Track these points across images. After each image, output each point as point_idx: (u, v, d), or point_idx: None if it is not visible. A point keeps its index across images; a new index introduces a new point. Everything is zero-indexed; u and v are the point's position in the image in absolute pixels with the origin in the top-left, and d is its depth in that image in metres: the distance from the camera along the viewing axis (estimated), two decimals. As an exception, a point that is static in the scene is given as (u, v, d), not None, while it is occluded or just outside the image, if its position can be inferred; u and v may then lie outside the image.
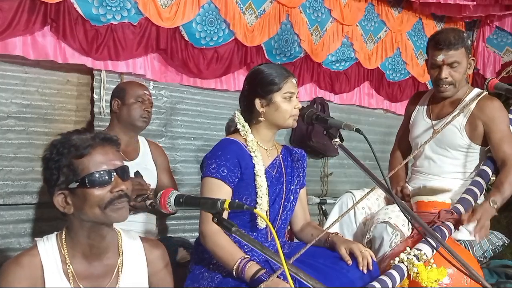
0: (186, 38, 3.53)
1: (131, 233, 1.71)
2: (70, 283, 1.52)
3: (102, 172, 1.48)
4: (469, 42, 2.63)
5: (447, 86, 2.60)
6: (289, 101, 2.13)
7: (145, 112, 2.81)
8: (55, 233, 1.59)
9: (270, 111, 2.13)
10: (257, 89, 2.15)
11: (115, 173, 1.51)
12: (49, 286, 1.49)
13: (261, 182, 2.09)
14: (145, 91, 2.86)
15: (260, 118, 2.15)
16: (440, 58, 2.55)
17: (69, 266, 1.52)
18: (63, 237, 1.56)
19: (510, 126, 2.68)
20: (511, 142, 2.57)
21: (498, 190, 2.46)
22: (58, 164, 1.49)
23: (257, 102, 2.14)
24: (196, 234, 2.27)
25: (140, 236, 1.71)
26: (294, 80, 2.16)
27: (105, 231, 1.56)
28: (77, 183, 1.48)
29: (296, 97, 2.16)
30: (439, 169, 2.68)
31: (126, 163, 1.62)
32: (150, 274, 1.66)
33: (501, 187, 2.46)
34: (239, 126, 2.18)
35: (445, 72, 2.57)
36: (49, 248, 1.54)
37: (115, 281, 1.58)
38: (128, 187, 1.53)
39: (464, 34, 2.63)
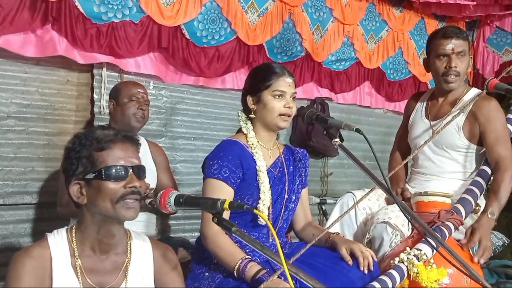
0: (188, 37, 3.52)
1: (142, 235, 1.74)
2: (77, 276, 1.54)
3: (119, 167, 1.53)
4: (470, 40, 2.64)
5: (454, 76, 2.58)
6: (279, 99, 2.11)
7: (139, 111, 2.77)
8: (66, 227, 1.62)
9: (260, 108, 2.14)
10: (249, 86, 2.19)
11: (131, 170, 1.55)
12: (57, 278, 1.52)
13: (264, 178, 2.09)
14: (139, 90, 2.82)
15: (252, 116, 2.17)
16: (449, 46, 2.55)
17: (77, 259, 1.55)
18: (73, 231, 1.59)
19: (509, 126, 2.68)
20: (506, 143, 2.55)
21: (496, 197, 2.44)
22: (78, 154, 1.54)
23: (249, 99, 2.16)
24: (197, 234, 2.28)
25: (150, 239, 1.74)
26: (288, 79, 2.14)
27: (115, 228, 1.59)
28: (94, 174, 1.52)
29: (292, 98, 2.15)
30: (439, 169, 2.68)
31: None
32: (156, 276, 1.68)
33: (498, 193, 2.44)
34: (241, 123, 2.19)
35: (455, 61, 2.55)
36: (59, 241, 1.57)
37: (122, 279, 1.60)
38: (142, 186, 1.57)
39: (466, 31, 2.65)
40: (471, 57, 2.67)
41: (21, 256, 1.52)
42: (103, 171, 1.51)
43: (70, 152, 1.56)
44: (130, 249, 1.65)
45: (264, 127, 2.18)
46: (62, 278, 1.53)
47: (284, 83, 2.12)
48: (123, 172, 1.53)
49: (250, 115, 2.18)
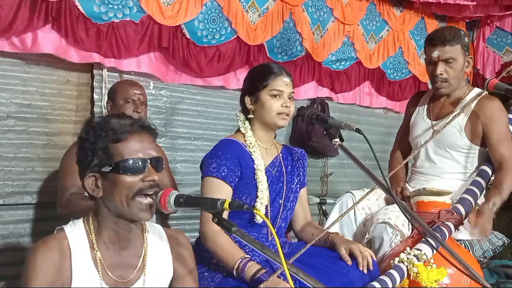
0: (188, 36, 3.52)
1: (155, 225, 1.70)
2: (98, 270, 1.50)
3: (136, 160, 1.47)
4: (466, 40, 2.62)
5: (442, 82, 2.59)
6: (276, 99, 2.12)
7: (134, 113, 2.72)
8: (81, 218, 1.57)
9: (258, 108, 2.15)
10: (247, 86, 2.21)
11: (149, 162, 1.50)
12: (77, 271, 1.47)
13: (262, 177, 2.10)
14: (135, 91, 2.78)
15: (250, 116, 2.17)
16: (435, 54, 2.56)
17: (96, 251, 1.50)
18: (91, 222, 1.54)
19: (510, 126, 2.68)
20: (509, 144, 2.56)
21: (498, 192, 2.44)
22: (94, 146, 1.47)
23: (247, 99, 2.17)
24: (196, 234, 2.27)
25: (163, 227, 1.70)
26: (286, 79, 2.15)
27: (132, 225, 1.55)
28: (111, 168, 1.46)
29: (290, 97, 2.15)
30: (439, 169, 2.68)
31: None
32: (175, 260, 1.64)
33: (501, 189, 2.45)
34: (239, 123, 2.20)
35: (440, 68, 2.56)
36: (76, 232, 1.52)
37: (141, 272, 1.57)
38: (161, 179, 1.52)
39: (461, 32, 2.62)
40: (471, 57, 2.66)
41: (40, 248, 1.46)
42: (120, 164, 1.45)
43: (84, 143, 1.49)
44: (147, 239, 1.61)
45: (262, 126, 2.18)
46: (82, 271, 1.48)
47: (282, 83, 2.13)
48: (140, 164, 1.47)
49: (248, 116, 2.18)
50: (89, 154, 1.47)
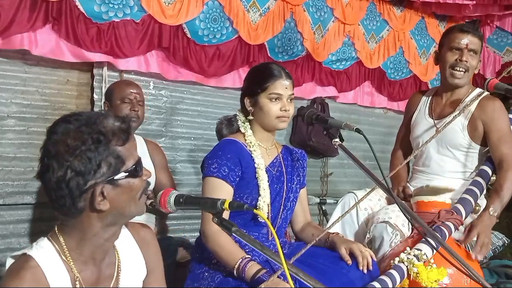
0: (189, 36, 3.51)
1: None
2: None
3: (139, 159, 1.37)
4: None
5: (463, 72, 2.60)
6: (275, 102, 2.12)
7: (132, 112, 2.74)
8: (43, 238, 1.37)
9: (257, 110, 2.15)
10: (247, 88, 2.20)
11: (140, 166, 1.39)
12: None
13: (263, 176, 2.10)
14: (131, 90, 2.78)
15: (250, 117, 2.17)
16: (464, 41, 2.57)
17: (76, 272, 1.34)
18: (61, 240, 1.34)
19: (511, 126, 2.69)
20: (510, 143, 2.56)
21: (498, 196, 2.44)
22: (102, 154, 1.28)
23: (246, 100, 2.17)
24: (196, 234, 2.27)
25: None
26: (285, 82, 2.13)
27: (120, 229, 1.43)
28: (126, 174, 1.32)
29: (289, 100, 2.14)
30: (440, 168, 2.68)
31: None
32: (145, 254, 1.54)
33: (500, 192, 2.45)
34: (239, 123, 2.19)
35: (466, 56, 2.58)
36: (46, 256, 1.32)
37: (118, 278, 1.46)
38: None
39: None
40: (480, 60, 2.69)
41: (14, 283, 1.26)
42: (134, 167, 1.33)
43: (82, 151, 1.26)
44: (117, 245, 1.48)
45: (262, 127, 2.18)
46: None
47: (281, 86, 2.12)
48: (141, 164, 1.38)
49: (248, 117, 2.18)
50: (94, 163, 1.26)
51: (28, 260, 1.30)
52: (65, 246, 1.34)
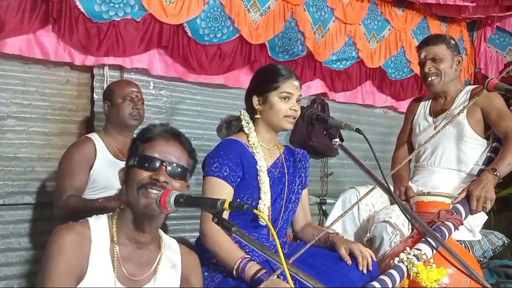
0: (189, 35, 3.51)
1: (169, 237, 1.78)
2: (113, 264, 1.56)
3: (151, 158, 1.59)
4: (453, 42, 2.79)
5: (433, 77, 2.73)
6: (285, 101, 2.13)
7: (134, 110, 2.77)
8: (106, 214, 1.66)
9: (266, 109, 2.15)
10: (256, 86, 2.19)
11: (163, 164, 1.59)
12: (93, 262, 1.52)
13: (264, 178, 2.10)
14: (132, 89, 2.81)
15: (257, 116, 2.17)
16: (422, 55, 2.77)
17: (115, 245, 1.57)
18: (115, 217, 1.62)
19: None
20: (511, 117, 2.63)
21: (503, 159, 2.51)
22: (133, 144, 1.66)
23: (255, 99, 2.16)
24: (196, 234, 2.27)
25: (178, 242, 1.79)
26: (295, 82, 2.16)
27: (146, 224, 1.61)
28: (134, 163, 1.60)
29: (297, 100, 2.16)
30: (443, 161, 2.74)
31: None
32: (183, 277, 1.72)
33: (506, 156, 2.51)
34: (243, 123, 2.19)
35: (428, 66, 2.73)
36: (99, 224, 1.60)
37: (152, 275, 1.64)
38: (174, 186, 1.60)
39: (447, 36, 2.85)
40: (461, 56, 2.78)
41: (64, 229, 1.53)
42: (138, 159, 1.59)
43: (132, 141, 1.67)
44: (163, 246, 1.69)
45: (267, 127, 2.18)
46: (98, 262, 1.54)
47: (292, 86, 2.14)
48: (154, 163, 1.58)
49: (255, 116, 2.18)
50: (131, 151, 1.65)
51: (85, 221, 1.60)
52: (114, 222, 1.61)
